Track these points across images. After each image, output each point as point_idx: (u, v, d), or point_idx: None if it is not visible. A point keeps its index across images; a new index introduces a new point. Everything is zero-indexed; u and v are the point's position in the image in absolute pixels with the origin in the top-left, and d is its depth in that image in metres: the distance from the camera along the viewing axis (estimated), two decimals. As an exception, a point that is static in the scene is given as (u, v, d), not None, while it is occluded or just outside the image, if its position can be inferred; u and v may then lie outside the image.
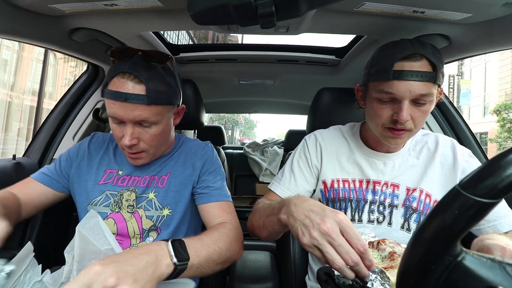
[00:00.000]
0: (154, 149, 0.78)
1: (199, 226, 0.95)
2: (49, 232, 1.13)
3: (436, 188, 0.80)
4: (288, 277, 0.99)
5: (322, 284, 0.61)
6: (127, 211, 0.80)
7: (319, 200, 0.87)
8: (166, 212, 0.82)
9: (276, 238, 0.76)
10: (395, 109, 0.70)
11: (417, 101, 0.68)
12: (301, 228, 0.53)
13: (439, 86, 0.70)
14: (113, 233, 0.79)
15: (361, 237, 0.49)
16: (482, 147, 1.28)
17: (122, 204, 0.81)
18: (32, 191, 0.82)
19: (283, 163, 1.09)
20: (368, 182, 0.83)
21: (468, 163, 0.79)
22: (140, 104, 0.68)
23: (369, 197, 0.82)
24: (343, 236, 0.49)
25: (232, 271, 0.95)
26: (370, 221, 0.81)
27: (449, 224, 0.30)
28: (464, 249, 0.32)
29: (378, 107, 0.73)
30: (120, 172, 0.84)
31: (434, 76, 0.66)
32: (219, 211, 0.79)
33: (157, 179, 0.84)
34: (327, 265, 0.53)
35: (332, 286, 0.58)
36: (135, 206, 0.81)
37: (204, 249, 0.60)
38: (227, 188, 0.87)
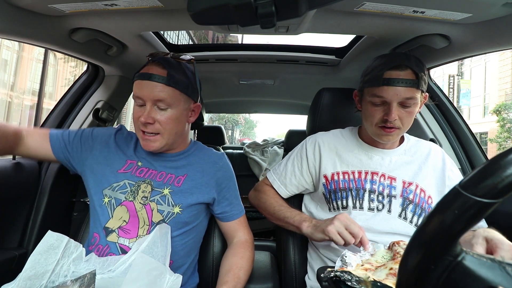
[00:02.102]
0: (168, 134, 0.83)
1: (205, 230, 0.97)
2: (49, 232, 1.13)
3: (429, 185, 0.89)
4: (288, 277, 0.99)
5: (321, 284, 0.61)
6: (140, 202, 0.83)
7: (323, 193, 0.94)
8: (176, 209, 0.85)
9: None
10: (385, 110, 0.83)
11: (403, 104, 0.81)
12: (326, 225, 0.79)
13: (423, 92, 0.84)
14: (124, 221, 0.82)
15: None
16: (482, 147, 1.28)
17: (137, 195, 0.84)
18: (40, 144, 0.90)
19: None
20: (366, 172, 0.91)
21: (452, 171, 0.91)
22: (160, 84, 0.80)
23: (368, 186, 0.88)
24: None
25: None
26: (370, 208, 0.87)
27: (449, 224, 0.30)
28: (464, 249, 0.32)
29: (371, 109, 0.85)
30: (139, 164, 0.89)
31: (417, 83, 0.80)
32: (238, 226, 0.96)
33: (174, 178, 0.88)
34: (327, 265, 0.57)
35: (331, 285, 0.58)
36: (148, 198, 0.84)
37: (241, 283, 0.83)
38: (239, 198, 0.99)
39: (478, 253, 0.32)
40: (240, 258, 0.88)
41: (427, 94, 0.88)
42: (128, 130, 1.00)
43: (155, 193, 0.85)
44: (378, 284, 0.51)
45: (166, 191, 0.85)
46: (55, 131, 0.93)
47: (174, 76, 0.81)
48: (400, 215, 0.85)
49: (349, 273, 0.54)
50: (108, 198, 0.84)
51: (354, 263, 0.63)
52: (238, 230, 0.95)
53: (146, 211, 0.83)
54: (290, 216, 0.91)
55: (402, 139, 0.97)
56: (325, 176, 0.93)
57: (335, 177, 0.92)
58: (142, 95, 0.80)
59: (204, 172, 0.91)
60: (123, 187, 0.85)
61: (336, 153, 0.95)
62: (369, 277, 0.53)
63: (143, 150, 0.89)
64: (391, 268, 0.58)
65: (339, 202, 0.89)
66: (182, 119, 0.86)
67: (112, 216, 0.83)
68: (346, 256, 0.66)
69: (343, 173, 0.92)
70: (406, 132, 0.99)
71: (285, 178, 1.00)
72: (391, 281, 0.53)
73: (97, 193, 0.86)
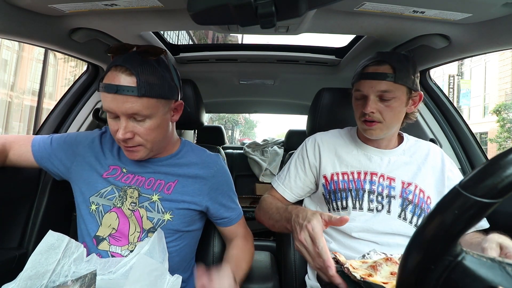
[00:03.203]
0: (151, 144, 0.77)
1: (200, 233, 0.94)
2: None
3: (428, 186, 0.88)
4: (288, 277, 0.99)
5: (322, 284, 0.61)
6: (128, 208, 0.80)
7: (323, 194, 0.94)
8: (167, 216, 0.80)
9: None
10: (364, 104, 0.85)
11: (381, 97, 0.83)
12: (293, 235, 0.70)
13: (411, 89, 0.84)
14: (113, 228, 0.79)
15: (322, 245, 0.60)
16: (482, 147, 1.28)
17: (126, 200, 0.80)
18: (22, 153, 0.87)
19: (283, 163, 1.11)
20: (365, 173, 0.90)
21: (452, 172, 0.91)
22: (131, 96, 0.69)
23: (367, 186, 0.89)
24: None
25: (232, 271, 0.96)
26: (370, 209, 0.87)
27: (449, 224, 0.30)
28: (464, 249, 0.32)
29: (355, 103, 0.90)
30: (124, 170, 0.83)
31: (393, 77, 0.81)
32: (237, 229, 0.93)
33: (164, 184, 0.83)
34: None
35: (331, 285, 0.58)
36: (137, 204, 0.80)
37: (242, 272, 0.84)
38: (237, 200, 0.94)
39: (478, 253, 0.32)
40: (241, 250, 0.89)
41: (421, 93, 0.88)
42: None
43: (143, 199, 0.80)
44: (352, 271, 0.55)
45: (155, 197, 0.81)
46: (38, 139, 0.88)
47: (146, 83, 0.69)
48: (399, 216, 0.85)
49: (338, 259, 0.60)
50: (96, 205, 0.80)
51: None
52: (237, 232, 0.94)
53: (136, 218, 0.79)
54: (279, 219, 0.82)
55: (401, 139, 0.96)
56: (325, 177, 0.93)
57: (335, 178, 0.92)
58: (112, 109, 0.70)
59: (196, 179, 0.85)
60: (111, 193, 0.81)
61: (335, 153, 0.95)
62: (346, 262, 0.58)
63: None
64: (375, 262, 0.60)
65: (339, 203, 0.89)
66: (164, 124, 0.78)
67: (101, 224, 0.79)
68: (368, 254, 0.67)
69: (343, 173, 0.92)
70: (406, 133, 1.00)
71: (289, 181, 0.99)
72: (367, 272, 0.56)
73: (85, 200, 0.82)
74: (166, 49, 0.77)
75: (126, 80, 0.69)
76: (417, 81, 0.87)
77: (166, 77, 0.75)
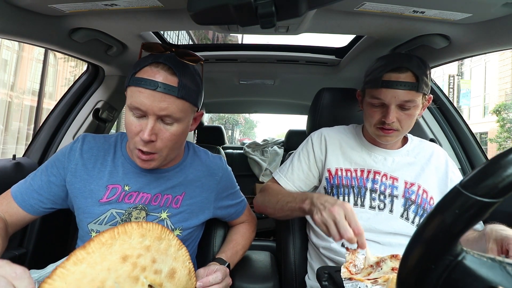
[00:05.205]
0: (167, 151, 0.72)
1: (199, 239, 0.95)
2: (50, 231, 1.13)
3: (431, 186, 0.89)
4: (288, 277, 0.99)
5: (321, 283, 0.61)
6: None
7: (324, 188, 0.95)
8: (176, 232, 0.80)
9: (287, 219, 1.03)
10: (383, 113, 0.83)
11: (402, 106, 0.81)
12: (316, 210, 0.70)
13: (425, 94, 0.82)
14: None
15: (359, 223, 0.64)
16: (482, 147, 1.28)
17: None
18: (15, 213, 0.74)
19: (283, 163, 1.11)
20: (369, 171, 0.91)
21: (454, 174, 0.91)
22: (169, 96, 0.66)
23: (369, 185, 0.89)
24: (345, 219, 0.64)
25: (232, 271, 0.95)
26: (371, 207, 0.87)
27: (449, 223, 0.30)
28: (465, 248, 0.32)
29: (370, 110, 0.86)
30: (127, 188, 0.77)
31: (416, 86, 0.79)
32: (242, 218, 0.99)
33: (171, 199, 0.80)
34: (327, 265, 0.58)
35: (331, 285, 0.58)
36: None
37: (237, 257, 0.90)
38: (239, 191, 0.98)
39: (478, 253, 0.32)
40: (241, 237, 0.95)
41: (431, 96, 0.87)
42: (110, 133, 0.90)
43: (151, 218, 0.77)
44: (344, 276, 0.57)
45: (164, 215, 0.78)
46: (17, 194, 0.75)
47: (186, 86, 0.67)
48: (402, 216, 0.85)
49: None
50: (96, 233, 0.74)
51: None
52: (242, 220, 0.99)
53: None
54: (292, 200, 0.81)
55: (405, 140, 0.96)
56: (329, 171, 0.93)
57: (339, 173, 0.92)
58: (145, 107, 0.65)
59: (203, 188, 0.84)
60: (111, 218, 0.74)
61: (340, 149, 0.95)
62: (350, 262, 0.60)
63: (130, 169, 0.78)
64: (380, 258, 0.60)
65: (340, 198, 0.89)
66: (186, 132, 0.75)
67: None
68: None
69: (346, 170, 0.92)
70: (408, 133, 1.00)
71: (292, 174, 0.98)
72: (368, 271, 0.57)
73: (83, 227, 0.76)
74: (203, 58, 0.75)
75: (168, 78, 0.66)
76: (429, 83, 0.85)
77: (199, 84, 0.74)
